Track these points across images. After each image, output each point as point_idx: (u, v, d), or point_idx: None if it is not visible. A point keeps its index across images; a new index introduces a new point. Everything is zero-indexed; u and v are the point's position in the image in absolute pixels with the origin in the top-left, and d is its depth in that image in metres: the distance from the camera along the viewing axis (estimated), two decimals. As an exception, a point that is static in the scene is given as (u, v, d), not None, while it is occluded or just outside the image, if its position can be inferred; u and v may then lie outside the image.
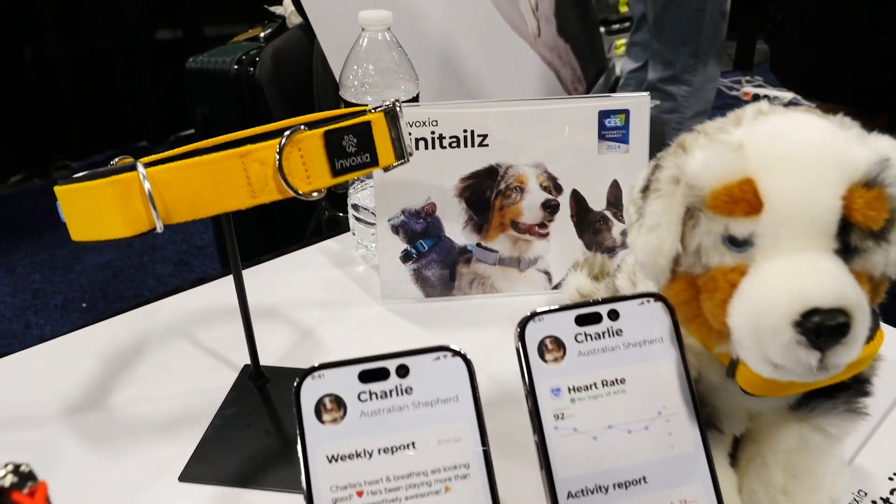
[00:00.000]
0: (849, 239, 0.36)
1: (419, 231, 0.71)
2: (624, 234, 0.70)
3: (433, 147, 0.68)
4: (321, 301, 0.71)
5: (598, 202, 0.71)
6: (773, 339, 0.34)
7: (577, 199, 0.71)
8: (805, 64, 1.35)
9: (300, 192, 0.42)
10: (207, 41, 3.61)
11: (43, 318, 2.35)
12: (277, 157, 0.40)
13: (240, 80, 1.66)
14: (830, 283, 0.34)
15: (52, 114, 3.19)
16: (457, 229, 0.71)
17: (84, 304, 2.36)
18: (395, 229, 0.70)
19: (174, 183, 0.39)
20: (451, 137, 0.68)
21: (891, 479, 0.52)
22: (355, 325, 0.68)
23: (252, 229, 1.74)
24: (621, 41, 2.98)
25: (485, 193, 0.70)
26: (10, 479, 0.27)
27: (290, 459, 0.52)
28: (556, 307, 0.38)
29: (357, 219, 0.78)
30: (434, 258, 0.71)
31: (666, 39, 1.89)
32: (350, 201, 0.79)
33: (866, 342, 0.39)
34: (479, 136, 0.68)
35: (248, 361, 0.60)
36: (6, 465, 0.28)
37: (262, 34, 1.77)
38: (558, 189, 0.70)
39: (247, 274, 0.60)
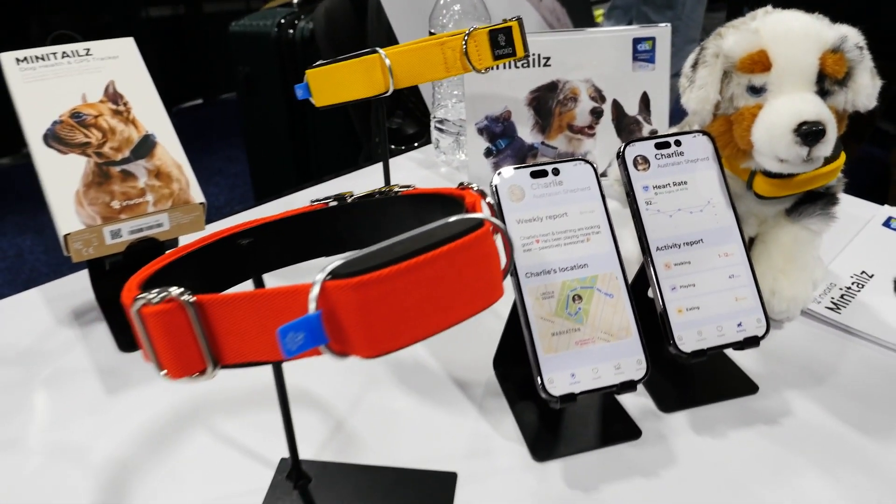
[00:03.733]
0: (823, 84, 0.59)
1: (498, 132, 0.93)
2: (652, 132, 0.93)
3: (509, 67, 0.90)
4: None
5: (632, 109, 0.93)
6: (780, 141, 0.57)
7: (617, 107, 0.93)
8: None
9: (476, 68, 0.64)
10: (205, 18, 3.77)
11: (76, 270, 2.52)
12: (464, 45, 0.63)
13: (280, 42, 1.85)
14: (813, 106, 0.57)
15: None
16: (526, 131, 0.93)
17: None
18: (480, 131, 0.93)
19: (402, 61, 0.61)
20: (522, 59, 0.90)
21: (851, 277, 0.76)
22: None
23: (287, 165, 1.95)
24: (599, 11, 3.21)
25: (548, 103, 0.92)
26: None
27: None
28: (645, 136, 0.61)
29: (440, 130, 1.00)
30: (509, 153, 0.93)
31: (652, 3, 2.11)
32: (435, 116, 1.01)
33: (832, 160, 0.62)
34: (543, 58, 0.90)
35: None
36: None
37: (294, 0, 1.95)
38: (602, 99, 0.93)
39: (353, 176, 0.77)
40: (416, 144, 1.29)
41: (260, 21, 1.86)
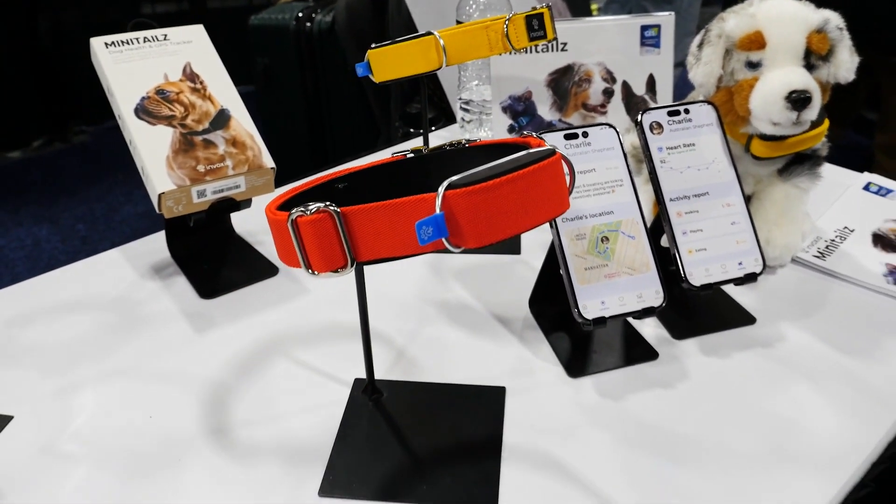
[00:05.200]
0: (810, 60, 0.70)
1: (520, 110, 1.03)
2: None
3: (529, 52, 1.01)
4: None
5: (639, 89, 1.04)
6: (773, 106, 0.68)
7: (626, 87, 1.04)
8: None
9: (515, 48, 0.75)
10: (209, 13, 3.86)
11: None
12: (505, 27, 0.73)
13: (299, 34, 1.95)
14: (802, 77, 0.68)
15: (67, 82, 3.40)
16: (545, 109, 1.03)
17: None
18: (504, 109, 1.03)
19: (453, 41, 0.72)
20: (543, 44, 1.00)
21: (835, 231, 0.87)
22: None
23: (304, 153, 2.05)
24: (595, 6, 3.32)
25: (564, 84, 1.03)
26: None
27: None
28: (658, 105, 0.72)
29: (465, 110, 1.11)
30: (529, 129, 1.04)
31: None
32: (461, 98, 1.11)
33: (817, 125, 0.73)
34: (561, 43, 1.01)
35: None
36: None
37: (310, -7, 2.04)
38: (613, 80, 1.03)
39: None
40: (433, 128, 1.40)
41: (278, 14, 1.96)
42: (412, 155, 0.57)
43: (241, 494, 0.56)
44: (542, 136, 0.64)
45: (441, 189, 0.39)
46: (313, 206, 0.42)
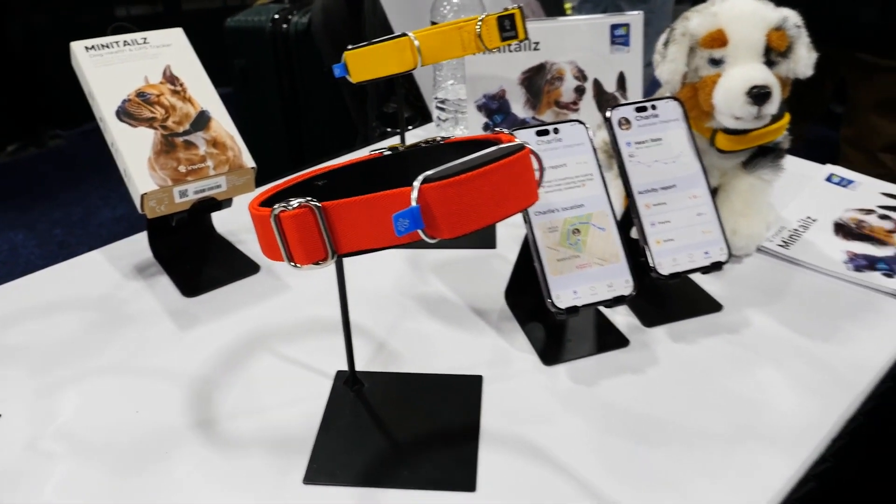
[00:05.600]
0: (769, 56, 0.73)
1: (494, 109, 1.06)
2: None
3: (502, 51, 1.03)
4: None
5: (610, 86, 1.07)
6: (735, 101, 0.71)
7: (597, 85, 1.07)
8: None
9: (488, 48, 0.77)
10: (184, 16, 3.85)
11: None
12: (478, 28, 0.76)
13: (275, 35, 1.96)
14: (762, 73, 0.71)
15: (41, 86, 3.38)
16: (519, 107, 1.06)
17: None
18: (479, 108, 1.06)
19: (428, 42, 0.74)
20: (516, 44, 1.03)
21: (798, 221, 0.90)
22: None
23: (282, 153, 2.06)
24: (568, 4, 3.36)
25: (537, 82, 1.05)
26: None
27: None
28: (626, 102, 0.75)
29: (441, 108, 1.13)
30: (504, 127, 1.06)
31: None
32: (437, 96, 1.13)
33: (778, 119, 0.76)
34: (533, 43, 1.04)
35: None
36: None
37: (286, -5, 2.05)
38: (585, 78, 1.06)
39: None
40: (410, 127, 1.42)
41: (254, 16, 1.97)
42: (389, 152, 0.59)
43: (229, 484, 0.57)
44: (515, 132, 0.67)
45: (416, 183, 0.42)
46: (295, 202, 0.44)
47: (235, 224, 0.92)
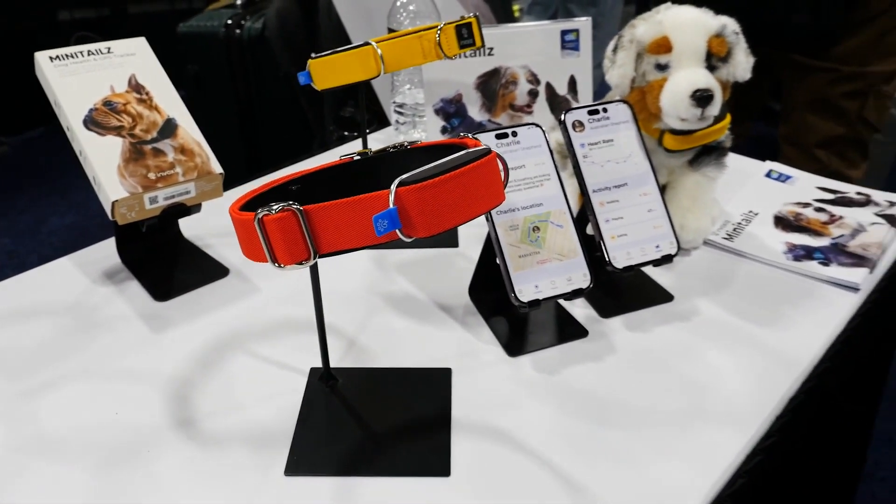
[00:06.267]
0: (711, 62, 0.78)
1: (451, 112, 1.09)
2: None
3: (459, 57, 1.07)
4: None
5: (562, 89, 1.11)
6: (681, 104, 0.76)
7: (550, 88, 1.11)
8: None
9: (447, 55, 0.81)
10: (130, 19, 3.80)
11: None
12: (437, 37, 0.79)
13: (229, 41, 1.96)
14: (704, 78, 0.76)
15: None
16: (475, 110, 1.10)
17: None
18: (436, 112, 1.09)
19: (390, 50, 0.77)
20: (479, 48, 1.06)
21: (741, 215, 0.96)
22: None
23: (238, 154, 2.06)
24: (516, 6, 3.42)
25: (492, 86, 1.09)
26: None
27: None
28: (580, 105, 0.79)
29: (399, 112, 1.16)
30: (461, 130, 1.10)
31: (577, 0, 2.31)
32: (395, 101, 1.16)
33: (720, 120, 0.82)
34: (487, 48, 1.08)
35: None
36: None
37: (238, 1, 2.06)
38: (537, 82, 1.11)
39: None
40: (368, 131, 1.45)
41: (207, 22, 1.97)
42: (359, 157, 0.62)
43: (212, 479, 0.60)
44: (477, 136, 0.70)
45: (393, 186, 0.45)
46: (276, 206, 0.47)
47: (202, 229, 0.94)
